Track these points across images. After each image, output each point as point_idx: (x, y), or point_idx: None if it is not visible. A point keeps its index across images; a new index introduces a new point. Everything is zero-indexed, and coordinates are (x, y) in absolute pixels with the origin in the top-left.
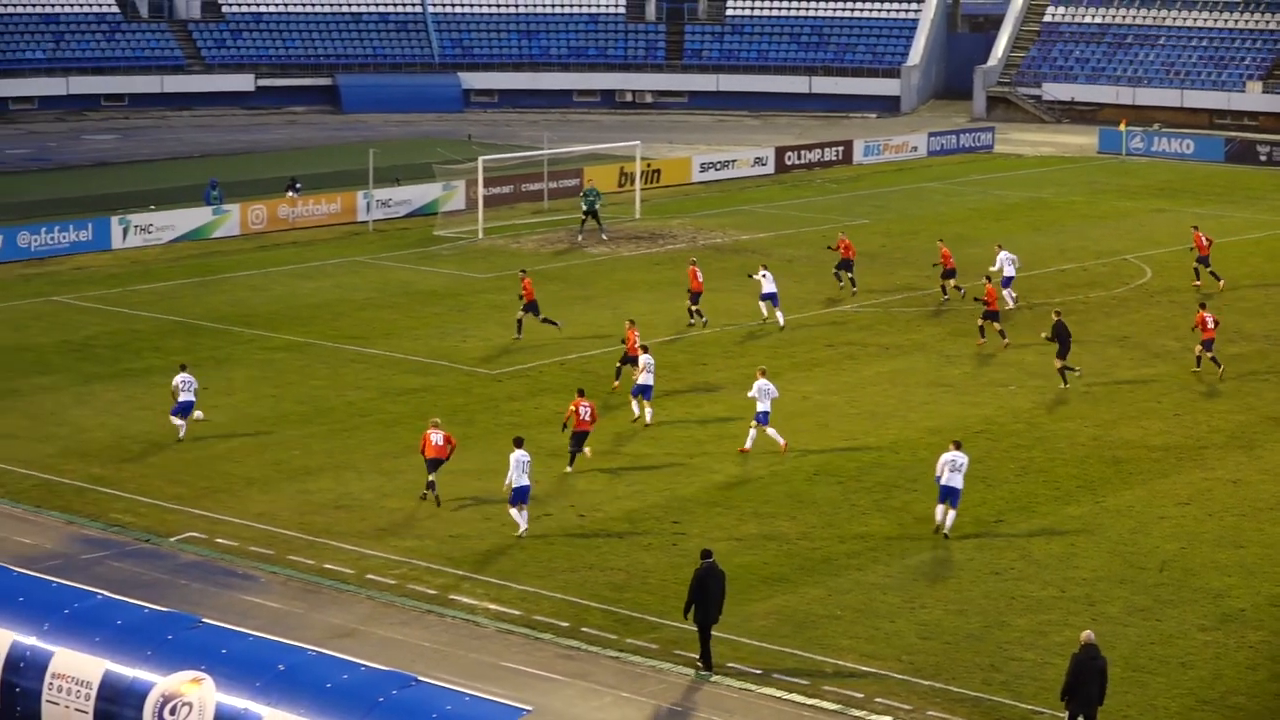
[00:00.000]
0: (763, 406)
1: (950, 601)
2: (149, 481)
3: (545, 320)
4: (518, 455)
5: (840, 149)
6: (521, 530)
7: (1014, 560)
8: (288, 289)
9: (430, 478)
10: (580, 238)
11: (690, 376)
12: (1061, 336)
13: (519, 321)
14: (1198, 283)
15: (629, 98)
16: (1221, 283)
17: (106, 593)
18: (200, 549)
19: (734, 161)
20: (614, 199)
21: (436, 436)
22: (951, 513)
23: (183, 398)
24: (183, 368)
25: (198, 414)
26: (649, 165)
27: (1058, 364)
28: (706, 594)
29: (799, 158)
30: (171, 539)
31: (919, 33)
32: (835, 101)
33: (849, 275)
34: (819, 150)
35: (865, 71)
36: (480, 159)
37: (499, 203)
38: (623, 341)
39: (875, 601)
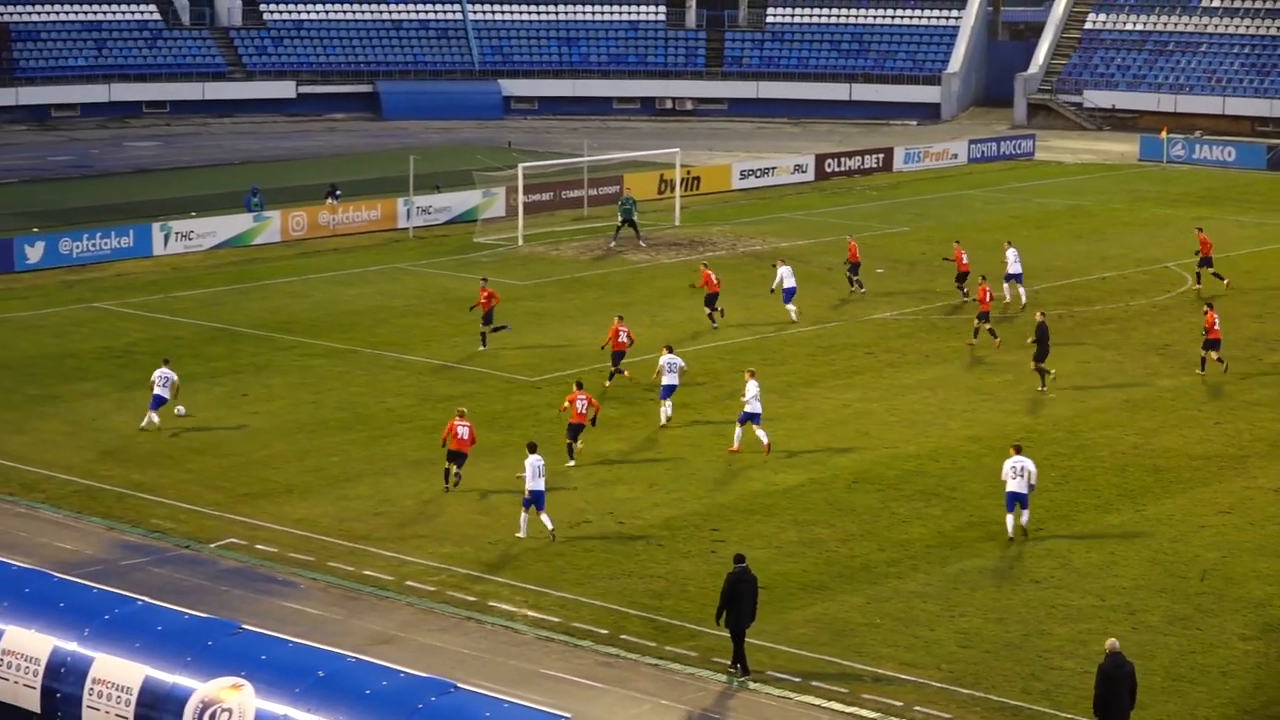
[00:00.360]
0: (753, 408)
1: (990, 610)
2: (189, 487)
3: (494, 329)
4: (532, 460)
5: (880, 156)
6: (521, 533)
7: (1054, 569)
8: (328, 296)
9: (454, 469)
10: (614, 244)
11: (729, 383)
12: (1042, 339)
13: (483, 335)
14: (1198, 286)
15: (669, 104)
16: (1226, 282)
17: (146, 598)
18: (240, 555)
19: (774, 168)
20: (654, 206)
21: (463, 430)
22: (1025, 513)
23: (155, 392)
24: (165, 362)
25: (179, 409)
26: (689, 172)
27: (1033, 366)
28: (738, 599)
29: (839, 165)
30: (211, 545)
31: (959, 40)
32: (875, 108)
33: (857, 278)
34: (859, 157)
35: (905, 79)
36: (520, 166)
37: (539, 209)
38: (636, 343)
39: (915, 609)
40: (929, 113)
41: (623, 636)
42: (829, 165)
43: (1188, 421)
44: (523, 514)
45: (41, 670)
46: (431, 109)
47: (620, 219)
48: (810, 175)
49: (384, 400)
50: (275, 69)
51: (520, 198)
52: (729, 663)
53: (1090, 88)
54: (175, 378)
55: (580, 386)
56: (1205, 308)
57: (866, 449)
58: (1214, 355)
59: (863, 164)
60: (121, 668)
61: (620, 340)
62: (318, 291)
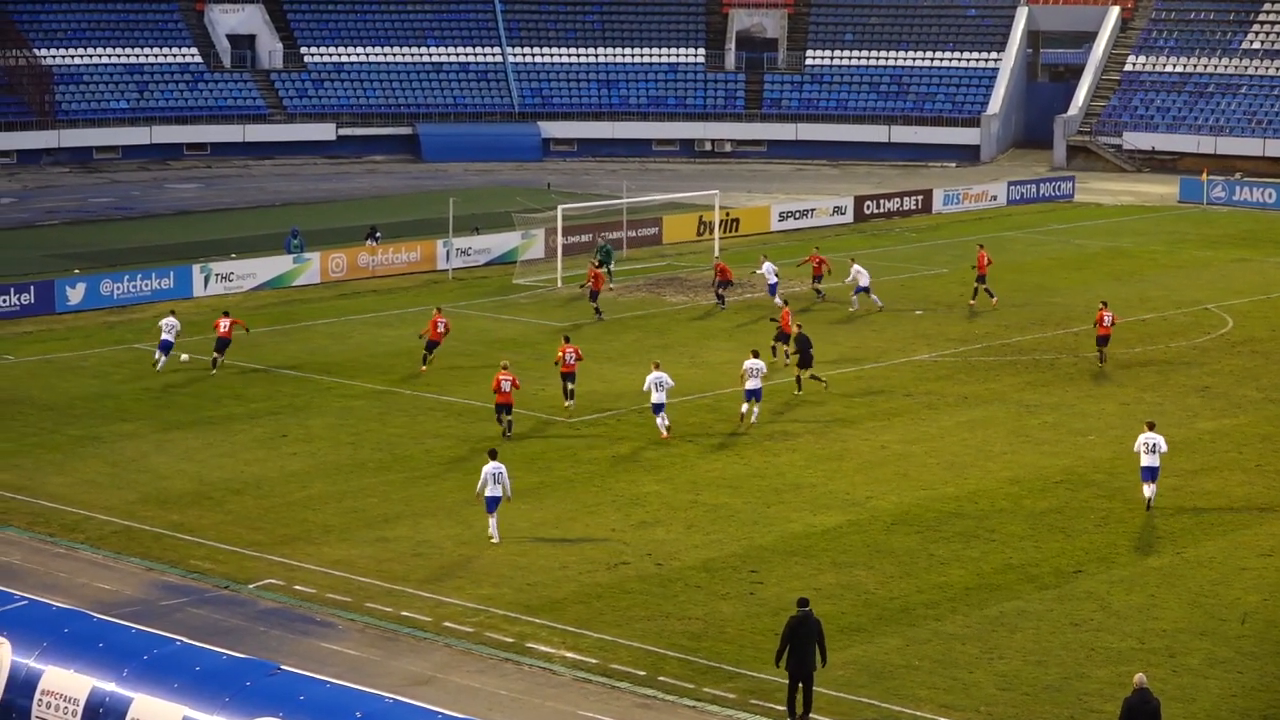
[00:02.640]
0: (658, 398)
1: (1029, 652)
2: (228, 528)
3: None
4: (489, 467)
5: (919, 198)
6: (494, 538)
7: (1093, 611)
8: (367, 337)
9: (508, 418)
10: (612, 286)
11: (767, 424)
12: (803, 348)
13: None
14: (973, 301)
15: (708, 147)
16: (995, 300)
17: (185, 639)
18: (279, 596)
19: (813, 210)
20: (692, 248)
21: (505, 383)
22: (1153, 486)
23: (163, 337)
24: (171, 313)
25: (183, 356)
26: (727, 214)
27: (799, 373)
28: (800, 643)
29: (878, 207)
30: (250, 586)
31: (999, 82)
32: (914, 150)
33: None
34: (898, 199)
35: (945, 120)
36: (559, 207)
37: (578, 251)
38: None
39: (953, 652)
40: (968, 154)
41: (660, 678)
42: (868, 207)
43: (1228, 464)
44: (490, 518)
45: (80, 711)
46: (471, 151)
47: (598, 262)
48: (849, 217)
49: (422, 441)
50: (315, 111)
51: (559, 239)
52: (786, 709)
53: (1130, 129)
54: (179, 325)
55: (568, 340)
56: (1100, 305)
57: (905, 491)
58: (1101, 349)
59: (902, 206)
60: (160, 708)
61: (438, 330)
62: (357, 333)
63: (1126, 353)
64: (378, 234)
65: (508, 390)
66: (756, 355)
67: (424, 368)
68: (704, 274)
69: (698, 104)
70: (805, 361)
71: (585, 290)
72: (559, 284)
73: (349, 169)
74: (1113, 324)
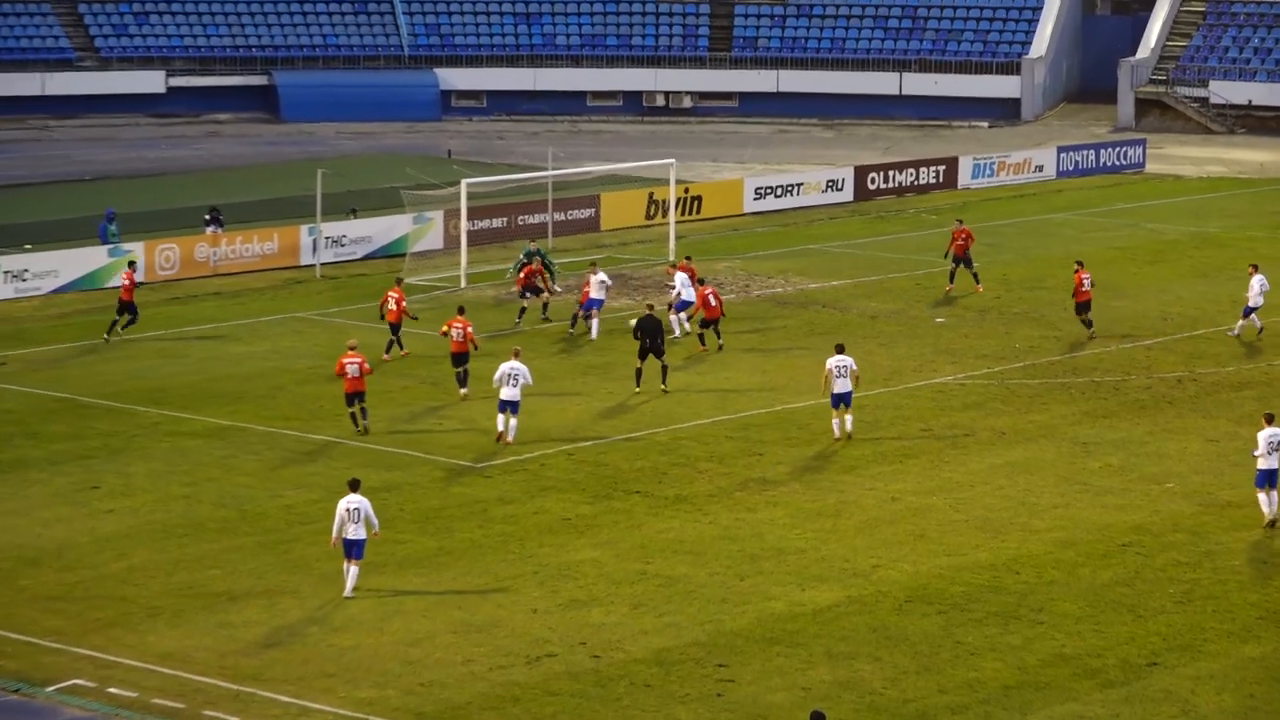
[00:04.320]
0: (508, 394)
1: None
2: (20, 611)
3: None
4: (346, 501)
5: (940, 169)
6: (347, 590)
7: (1173, 715)
8: (208, 355)
9: (358, 412)
10: (558, 288)
11: (741, 469)
12: (649, 333)
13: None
14: (950, 286)
15: (660, 101)
16: (980, 287)
17: None
18: (88, 701)
19: (799, 185)
20: (641, 235)
21: (352, 367)
22: (1275, 495)
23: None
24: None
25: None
26: (687, 190)
27: (639, 364)
28: None
29: (886, 180)
30: (49, 689)
31: (1046, 15)
32: (934, 106)
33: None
34: (912, 170)
35: (974, 67)
36: (463, 182)
37: (488, 240)
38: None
39: None
40: (1005, 111)
41: None
42: (873, 180)
43: None
44: (345, 565)
45: None
46: (346, 107)
47: (525, 260)
48: (848, 194)
49: (280, 494)
50: (138, 55)
51: (463, 224)
52: None
53: (1218, 78)
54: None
55: (461, 312)
56: (1075, 265)
57: (923, 557)
58: (1083, 317)
59: (917, 179)
60: None
61: (390, 309)
62: (194, 350)
63: (1217, 373)
64: (221, 218)
65: (356, 375)
66: (841, 350)
67: (386, 356)
68: (657, 268)
69: (647, 45)
70: (644, 352)
71: (517, 292)
72: (463, 283)
73: (183, 131)
74: (1092, 286)
